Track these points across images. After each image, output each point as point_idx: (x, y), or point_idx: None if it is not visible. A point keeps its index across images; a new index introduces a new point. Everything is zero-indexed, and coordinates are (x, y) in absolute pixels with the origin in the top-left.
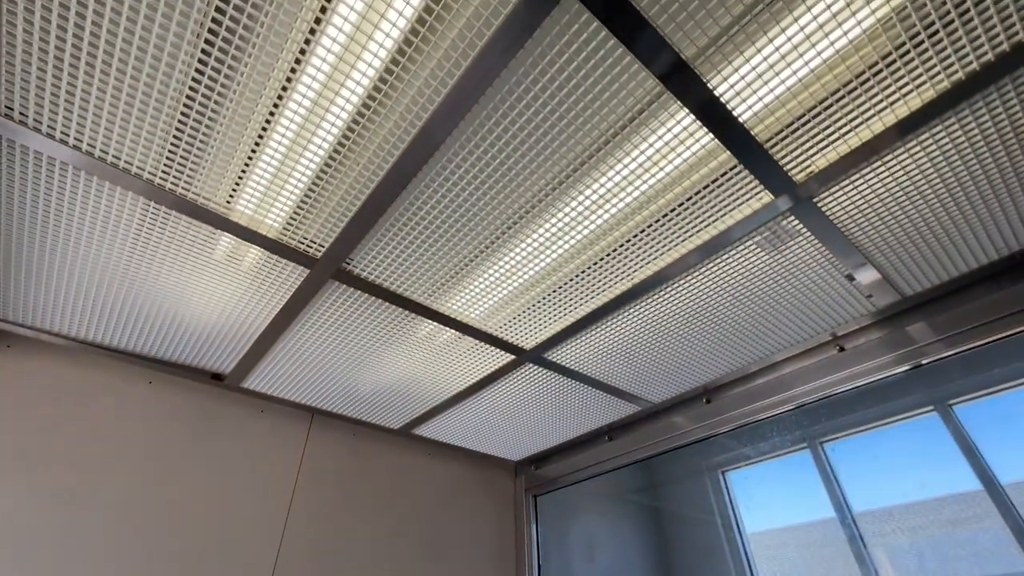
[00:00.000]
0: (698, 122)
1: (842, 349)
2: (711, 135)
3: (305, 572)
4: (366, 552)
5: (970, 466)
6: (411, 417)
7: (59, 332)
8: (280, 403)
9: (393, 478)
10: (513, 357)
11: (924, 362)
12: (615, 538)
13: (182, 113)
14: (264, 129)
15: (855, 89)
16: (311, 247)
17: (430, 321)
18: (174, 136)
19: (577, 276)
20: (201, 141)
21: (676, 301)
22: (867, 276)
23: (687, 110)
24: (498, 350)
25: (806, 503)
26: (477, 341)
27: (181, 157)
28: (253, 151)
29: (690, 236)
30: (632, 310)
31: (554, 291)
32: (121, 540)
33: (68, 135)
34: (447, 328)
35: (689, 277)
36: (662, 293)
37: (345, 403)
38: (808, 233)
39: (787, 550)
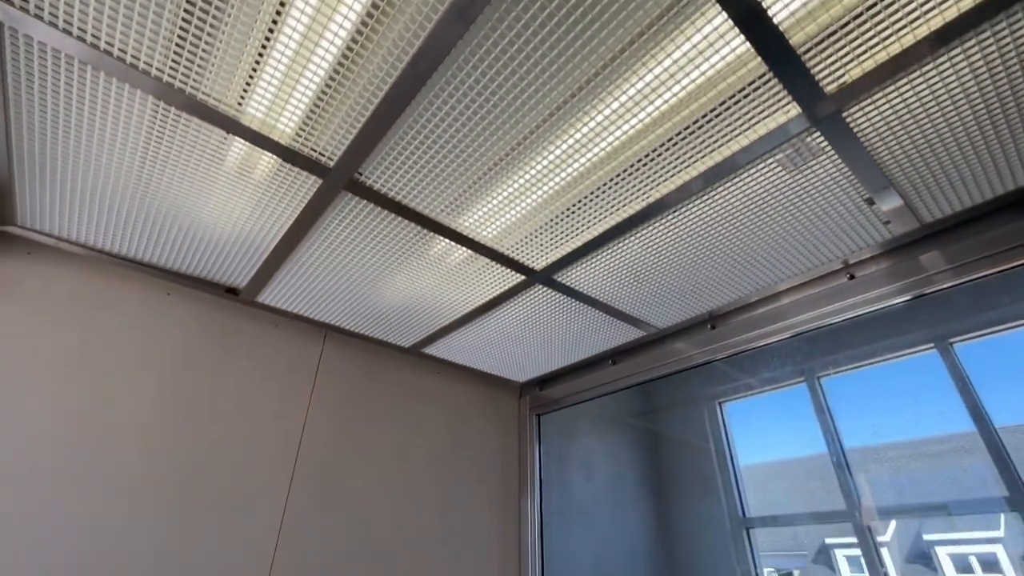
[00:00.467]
0: (730, 21)
1: (852, 277)
2: (743, 38)
3: (320, 480)
4: (377, 465)
5: (965, 405)
6: (422, 336)
7: (77, 240)
8: (294, 319)
9: (403, 395)
10: (523, 278)
11: (930, 290)
12: (612, 458)
13: (188, 1)
14: (274, 23)
15: None
16: (323, 155)
17: (443, 238)
18: (180, 28)
19: (592, 193)
20: (209, 35)
21: (689, 224)
22: (888, 201)
23: (720, 7)
24: (509, 270)
25: (800, 436)
26: (489, 260)
27: (189, 52)
28: (263, 49)
29: (711, 152)
30: (644, 232)
31: (567, 210)
32: (148, 442)
33: (72, 24)
34: (460, 246)
35: (705, 197)
36: (676, 214)
37: (358, 320)
38: (832, 152)
39: (779, 480)
